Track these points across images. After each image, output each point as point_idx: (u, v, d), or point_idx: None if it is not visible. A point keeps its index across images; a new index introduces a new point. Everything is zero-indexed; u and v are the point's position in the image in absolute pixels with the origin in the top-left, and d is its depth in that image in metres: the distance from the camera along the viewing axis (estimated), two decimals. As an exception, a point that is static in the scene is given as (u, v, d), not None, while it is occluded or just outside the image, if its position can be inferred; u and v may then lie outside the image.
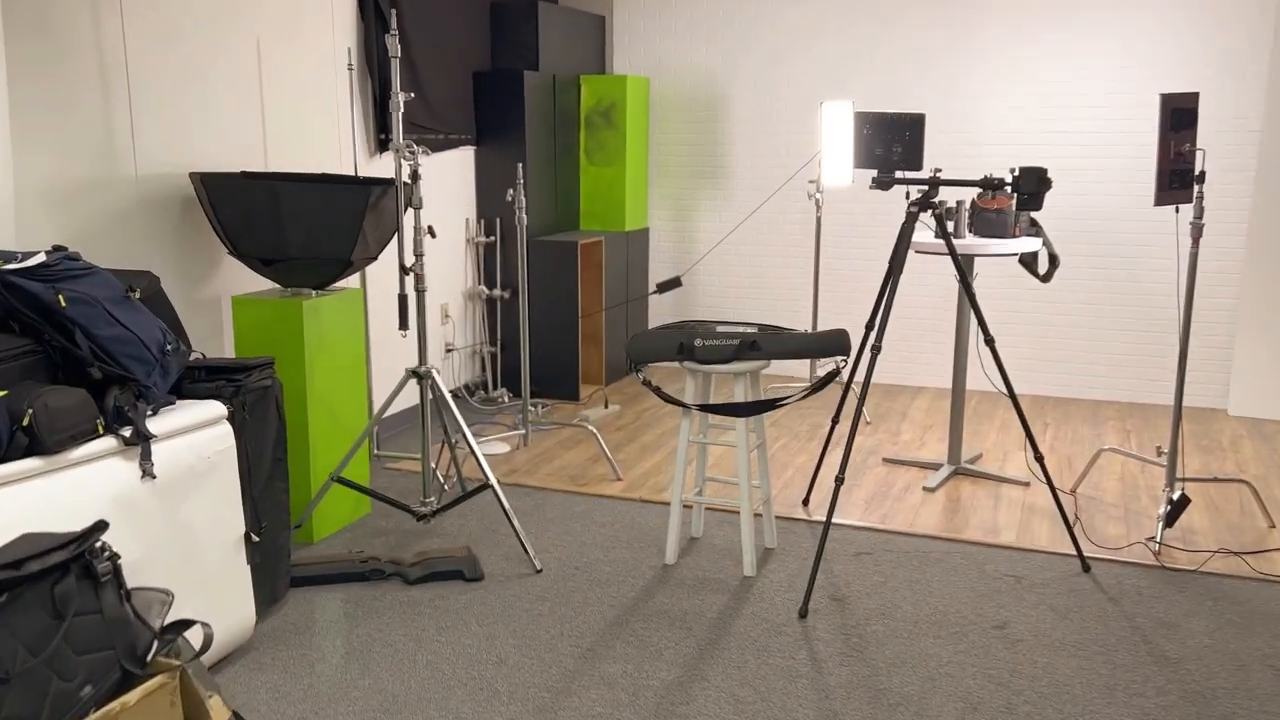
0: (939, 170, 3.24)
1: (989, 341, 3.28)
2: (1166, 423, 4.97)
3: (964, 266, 3.31)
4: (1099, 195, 5.26)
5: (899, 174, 3.26)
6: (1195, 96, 3.54)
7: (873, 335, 4.69)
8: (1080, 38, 5.18)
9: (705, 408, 3.27)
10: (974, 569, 3.36)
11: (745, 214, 5.94)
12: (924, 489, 4.08)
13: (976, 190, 4.11)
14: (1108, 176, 5.23)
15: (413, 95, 3.71)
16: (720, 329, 3.44)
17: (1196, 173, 3.50)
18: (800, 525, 3.73)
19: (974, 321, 4.86)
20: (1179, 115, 3.52)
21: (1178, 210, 3.44)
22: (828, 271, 5.81)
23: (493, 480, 3.41)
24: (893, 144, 3.21)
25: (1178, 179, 3.56)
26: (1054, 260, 4.08)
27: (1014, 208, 3.08)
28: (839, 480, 3.15)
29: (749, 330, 3.37)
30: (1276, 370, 4.98)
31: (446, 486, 4.03)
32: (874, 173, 3.83)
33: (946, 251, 3.85)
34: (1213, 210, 5.07)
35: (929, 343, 5.68)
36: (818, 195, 5.05)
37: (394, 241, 4.64)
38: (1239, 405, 5.06)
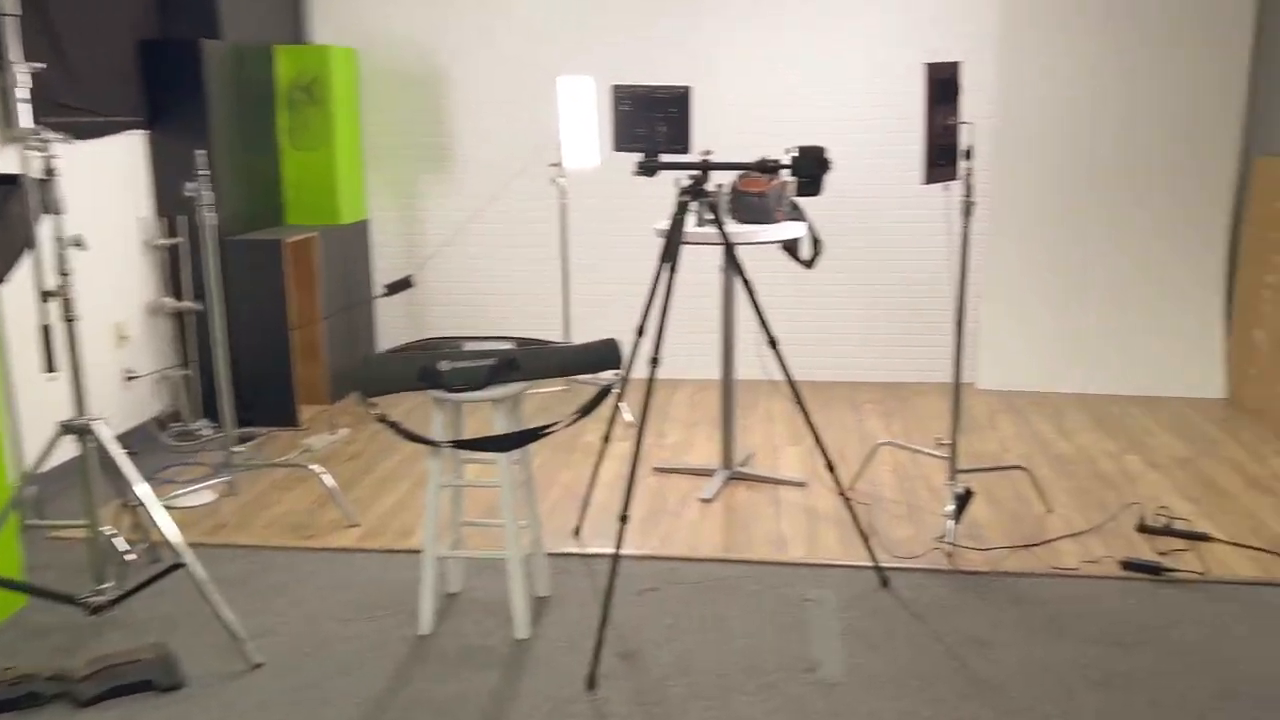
0: (708, 153, 2.84)
1: (772, 343, 2.93)
2: (923, 402, 4.90)
3: (738, 260, 2.93)
4: (861, 174, 5.12)
5: (666, 157, 2.83)
6: (957, 66, 3.34)
7: (644, 341, 4.29)
8: (843, 5, 4.98)
9: (460, 444, 2.71)
10: (770, 595, 3.01)
11: (481, 202, 5.36)
12: (701, 500, 3.71)
13: (737, 173, 3.76)
14: (871, 153, 5.08)
15: (44, 66, 2.86)
16: (470, 347, 2.88)
17: (963, 148, 3.31)
18: (574, 563, 3.25)
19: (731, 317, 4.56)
20: (943, 87, 3.31)
21: (947, 188, 3.21)
22: (581, 269, 5.35)
23: (185, 558, 2.68)
24: (656, 123, 2.77)
25: (945, 155, 3.35)
26: (817, 245, 3.81)
27: (794, 193, 2.74)
28: (623, 519, 2.69)
29: (505, 347, 2.84)
30: (1019, 342, 5.04)
31: (132, 557, 3.22)
32: (637, 156, 3.39)
33: (713, 242, 3.48)
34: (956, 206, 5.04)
35: (685, 331, 5.36)
36: (560, 180, 4.57)
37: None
38: (988, 379, 5.09)
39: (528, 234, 5.36)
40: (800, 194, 2.77)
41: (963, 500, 3.39)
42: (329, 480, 3.63)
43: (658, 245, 5.26)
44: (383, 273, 5.49)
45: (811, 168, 2.74)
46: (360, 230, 5.31)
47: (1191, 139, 4.83)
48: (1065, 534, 3.38)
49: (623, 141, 2.83)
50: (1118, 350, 4.96)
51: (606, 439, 3.33)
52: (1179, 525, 3.39)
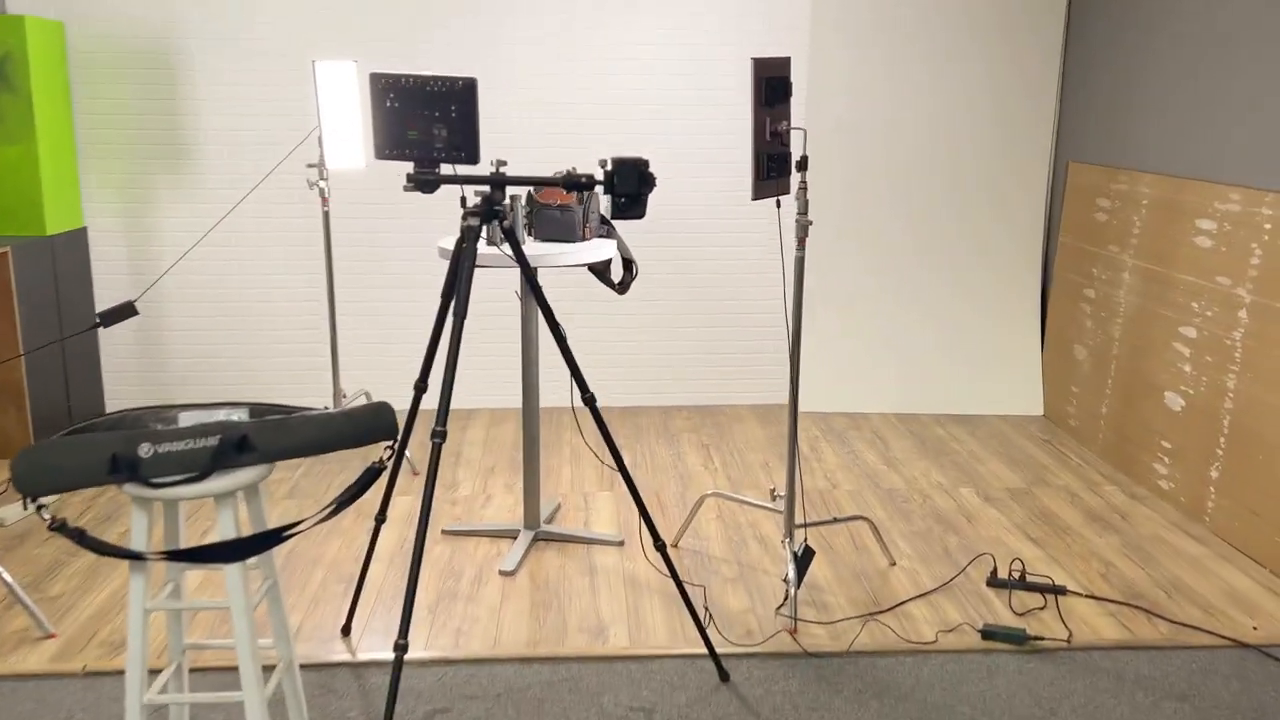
0: (502, 164, 2.24)
1: (588, 401, 2.37)
2: (742, 430, 4.49)
3: (542, 296, 2.35)
4: (678, 181, 4.62)
5: (446, 168, 2.21)
6: (788, 63, 2.89)
7: (420, 407, 3.62)
8: (618, -7, 4.46)
9: (174, 555, 2.00)
10: (591, 707, 2.46)
11: (227, 209, 4.52)
12: (501, 573, 3.12)
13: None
14: (690, 159, 4.60)
15: None
16: (187, 417, 2.17)
17: (797, 158, 2.85)
18: (342, 675, 2.59)
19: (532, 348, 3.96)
20: (772, 87, 2.84)
21: (779, 204, 2.75)
22: (351, 295, 4.61)
23: None
24: (432, 124, 2.14)
25: (776, 165, 2.89)
26: (630, 267, 3.29)
27: (608, 215, 2.20)
28: (400, 648, 2.06)
29: (235, 418, 2.15)
30: (832, 364, 4.72)
31: None
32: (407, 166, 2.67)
33: (508, 265, 2.89)
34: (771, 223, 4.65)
35: (475, 355, 4.72)
36: (321, 184, 3.84)
37: None
38: (804, 401, 4.74)
39: (287, 252, 4.57)
40: (616, 216, 2.22)
41: (803, 562, 2.95)
42: (6, 576, 2.79)
43: (444, 268, 4.62)
44: (105, 296, 4.56)
45: (630, 184, 2.19)
46: (75, 242, 4.37)
47: (1005, 146, 4.63)
48: (915, 594, 3.00)
49: (388, 147, 2.19)
50: (934, 368, 4.72)
51: (381, 519, 2.67)
52: (1032, 579, 3.08)
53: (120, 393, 4.65)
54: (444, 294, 2.31)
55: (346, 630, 2.76)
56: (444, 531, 3.40)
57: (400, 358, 4.70)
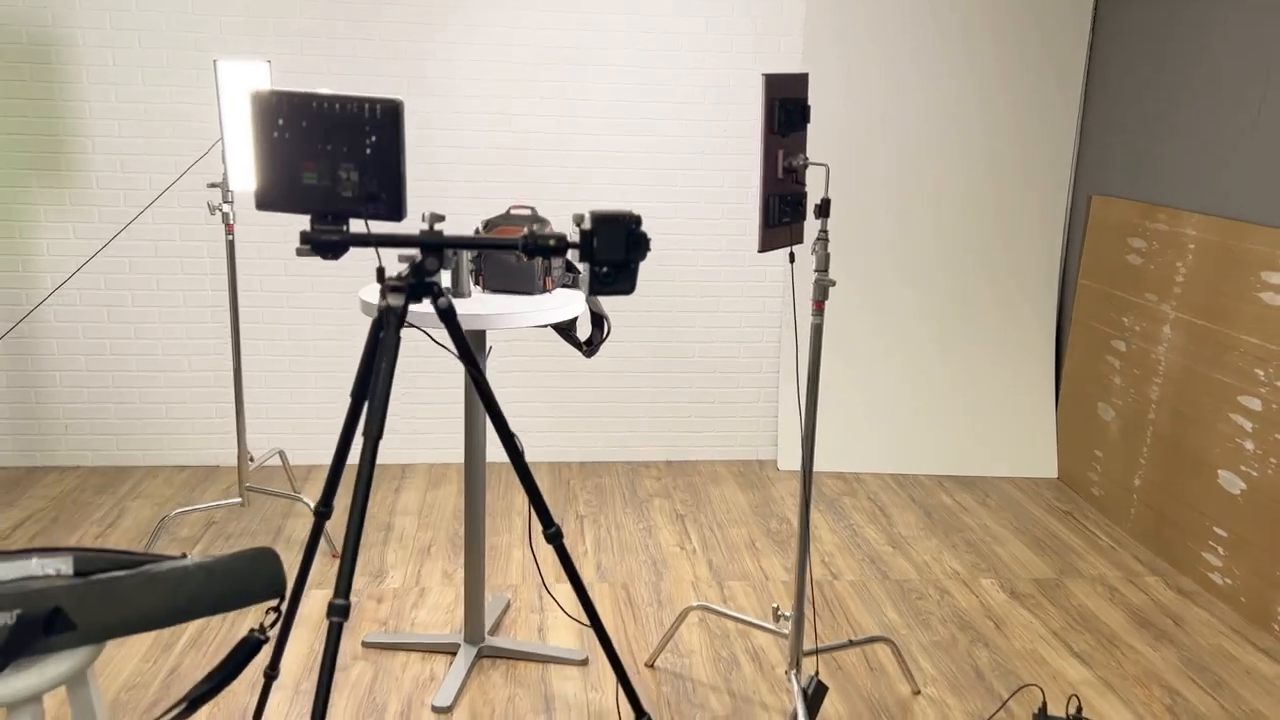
0: (438, 220, 1.62)
1: (551, 538, 1.76)
2: (719, 493, 3.89)
3: (493, 401, 1.73)
4: (656, 213, 4.02)
5: (355, 225, 1.59)
6: (805, 81, 2.30)
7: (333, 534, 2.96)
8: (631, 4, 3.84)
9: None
10: None
11: (114, 233, 3.83)
12: (435, 710, 2.49)
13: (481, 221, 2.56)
14: (669, 188, 3.99)
15: None
16: (-21, 571, 1.53)
17: (817, 202, 2.26)
18: None
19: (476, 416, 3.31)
20: (787, 110, 2.25)
21: (793, 258, 2.16)
22: (261, 335, 3.93)
23: None
24: (339, 163, 1.52)
25: (789, 209, 2.30)
26: (602, 324, 2.67)
27: (587, 290, 1.60)
28: None
29: (48, 573, 1.51)
30: (822, 417, 4.15)
31: None
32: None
33: (442, 340, 2.27)
34: (757, 264, 4.06)
35: (409, 401, 4.08)
36: (225, 208, 3.18)
37: None
38: (789, 458, 4.16)
39: (189, 283, 3.89)
40: (599, 291, 1.61)
41: (814, 702, 2.36)
42: None
43: (365, 325, 3.96)
44: (-28, 326, 3.85)
45: (616, 250, 1.59)
46: (-70, 268, 3.65)
47: (1017, 173, 4.09)
48: (950, 741, 2.43)
49: (274, 193, 1.55)
50: (933, 423, 4.17)
51: (265, 693, 2.02)
52: (1088, 717, 2.53)
53: (-12, 444, 3.93)
54: (355, 390, 1.68)
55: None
56: (365, 644, 2.77)
57: (321, 406, 4.03)
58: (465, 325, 2.33)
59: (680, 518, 3.66)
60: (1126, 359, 3.70)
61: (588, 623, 2.30)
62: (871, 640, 2.59)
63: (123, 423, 3.96)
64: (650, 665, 2.71)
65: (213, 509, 3.60)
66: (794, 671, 2.43)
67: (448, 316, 1.60)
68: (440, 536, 3.45)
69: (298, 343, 3.96)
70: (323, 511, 1.81)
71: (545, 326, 2.58)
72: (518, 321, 2.39)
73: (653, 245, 4.03)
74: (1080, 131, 4.08)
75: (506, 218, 2.55)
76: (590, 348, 2.66)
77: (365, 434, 1.51)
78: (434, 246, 1.55)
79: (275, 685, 2.56)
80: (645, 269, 4.05)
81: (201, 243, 3.86)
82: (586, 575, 3.20)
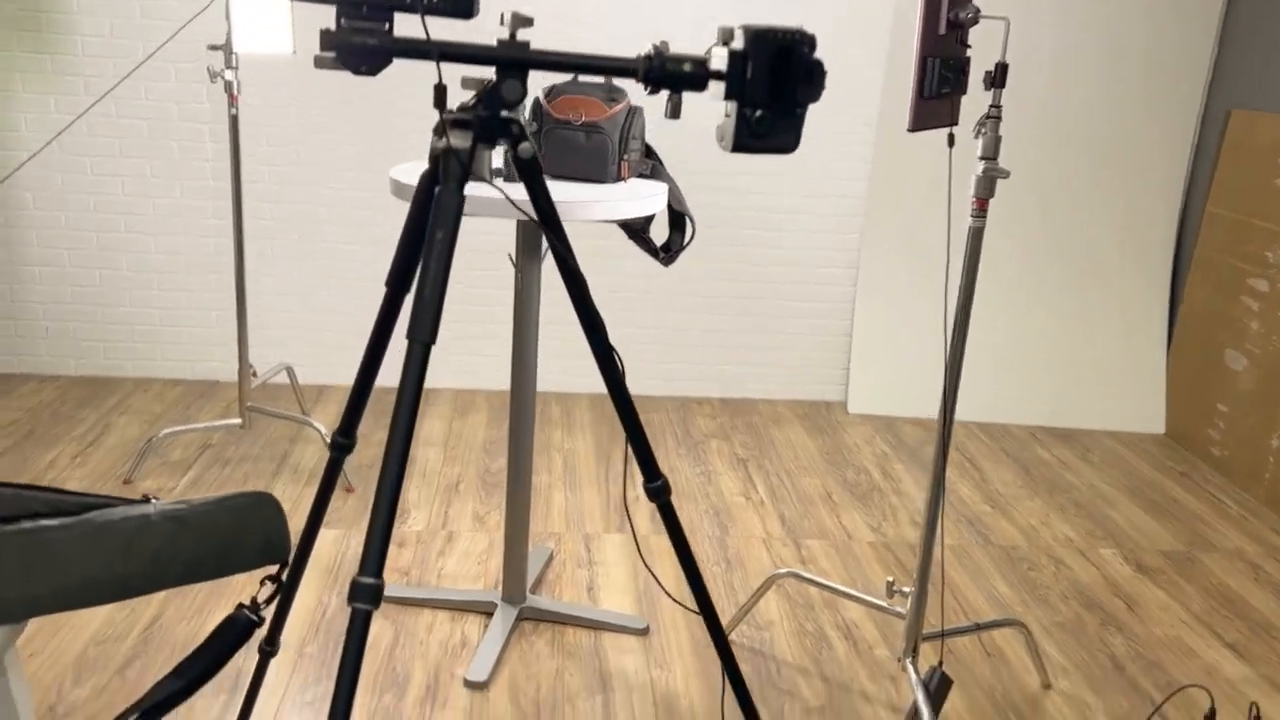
0: (521, 23, 1.12)
1: (655, 493, 1.29)
2: (782, 435, 3.42)
3: (577, 269, 1.23)
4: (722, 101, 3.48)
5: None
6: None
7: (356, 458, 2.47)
8: None
9: None
10: None
11: (97, 102, 3.32)
12: (467, 684, 2.05)
13: (549, 87, 2.06)
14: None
15: None
16: None
17: (996, 64, 1.75)
18: None
19: (528, 330, 2.80)
20: (953, -52, 1.73)
21: (951, 140, 1.64)
22: (268, 232, 3.44)
23: None
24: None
25: (950, 77, 1.79)
26: (684, 226, 2.18)
27: (730, 142, 1.13)
28: None
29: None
30: (896, 355, 3.65)
31: None
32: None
33: (506, 216, 1.79)
34: (833, 178, 3.53)
35: (451, 320, 3.59)
36: (227, 74, 2.67)
37: None
38: (861, 401, 3.68)
39: (187, 169, 3.39)
40: (746, 145, 1.12)
41: (937, 697, 1.91)
42: None
43: (398, 212, 3.43)
44: (-60, 210, 3.36)
45: (777, 83, 1.09)
46: (-112, 139, 3.16)
47: (1139, 83, 3.54)
48: (1099, 751, 1.99)
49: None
50: (1025, 367, 3.68)
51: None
52: (1265, 726, 2.08)
53: (-42, 346, 3.47)
54: (393, 276, 1.20)
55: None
56: (385, 598, 2.32)
57: (336, 316, 3.56)
58: (506, 213, 1.84)
59: (742, 462, 3.20)
60: (1268, 300, 3.19)
61: (696, 609, 1.84)
62: (1001, 624, 2.14)
63: (110, 328, 3.50)
64: (728, 634, 2.26)
65: (209, 430, 3.14)
66: (910, 659, 1.98)
67: (530, 170, 1.11)
68: (469, 473, 2.99)
69: (311, 242, 3.47)
70: (342, 443, 1.34)
71: (616, 223, 2.09)
72: (586, 213, 1.89)
73: (714, 149, 3.51)
74: (1220, 37, 3.52)
75: (574, 85, 2.04)
76: (668, 254, 2.17)
77: (411, 337, 1.03)
78: (518, 65, 1.06)
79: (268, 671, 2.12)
80: (701, 176, 3.53)
81: (203, 125, 3.35)
82: (641, 523, 2.74)
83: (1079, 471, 3.29)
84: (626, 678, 2.10)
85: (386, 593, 2.32)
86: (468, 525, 2.69)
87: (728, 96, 1.10)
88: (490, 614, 2.28)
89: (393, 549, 2.54)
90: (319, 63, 1.02)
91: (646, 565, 2.48)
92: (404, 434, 1.00)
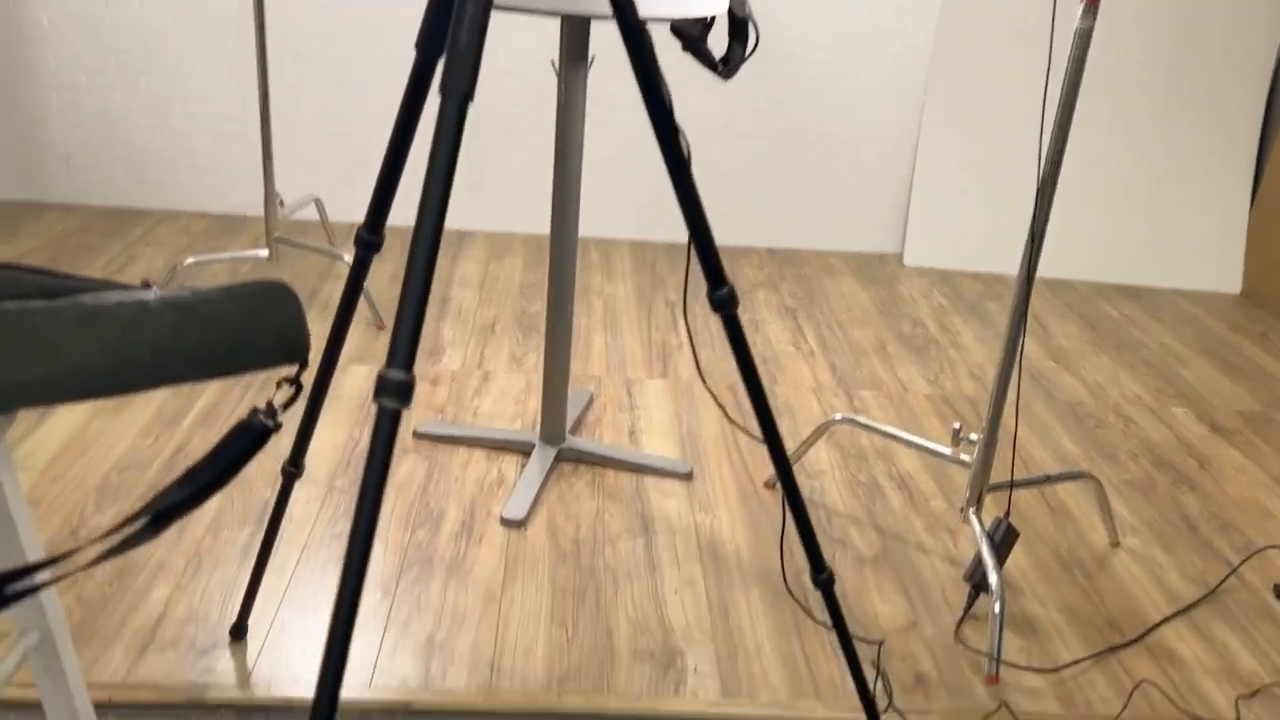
0: None
1: (720, 302, 1.13)
2: (835, 286, 3.25)
3: (658, 81, 1.06)
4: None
5: None
6: None
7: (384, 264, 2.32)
8: None
9: None
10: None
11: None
12: (504, 524, 1.96)
13: None
14: (752, -120, 3.14)
15: None
16: None
17: None
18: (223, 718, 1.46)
19: (571, 149, 2.58)
20: None
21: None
22: (300, 52, 3.22)
23: None
24: None
25: None
26: (745, 33, 1.96)
27: None
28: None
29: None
30: (956, 205, 3.43)
31: None
32: None
33: (534, 9, 1.60)
34: (898, 23, 3.23)
35: (467, 153, 3.41)
36: None
37: None
38: (918, 252, 3.48)
39: (211, -24, 3.17)
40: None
41: (1002, 548, 1.80)
42: None
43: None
44: (-50, 26, 3.18)
45: None
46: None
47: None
48: (1171, 611, 1.87)
49: None
50: (1092, 222, 3.45)
51: (297, 465, 1.46)
52: (1351, 591, 1.95)
53: (-22, 173, 3.34)
54: (422, 38, 1.03)
55: (238, 631, 1.61)
56: (417, 434, 2.22)
57: (367, 151, 3.38)
58: (549, 5, 1.64)
59: (791, 312, 3.04)
60: (1373, 149, 2.93)
61: (753, 436, 1.70)
62: (1073, 477, 2.00)
63: (133, 156, 3.35)
64: (771, 486, 2.15)
65: (235, 261, 3.02)
66: (974, 509, 1.86)
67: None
68: (505, 314, 2.86)
69: (342, 71, 3.27)
70: (369, 240, 1.20)
71: (671, 30, 1.88)
72: (642, 9, 1.69)
73: (778, -27, 3.23)
74: None
75: None
76: (728, 66, 1.96)
77: (444, 91, 0.86)
78: None
79: (301, 481, 2.04)
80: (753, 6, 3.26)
81: (222, -64, 3.12)
82: (685, 370, 2.61)
83: (1148, 329, 3.11)
84: (669, 521, 2.00)
85: (420, 429, 2.22)
86: (504, 366, 2.57)
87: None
88: (528, 454, 2.17)
89: (427, 386, 2.43)
90: None
91: (706, 385, 2.36)
92: (438, 202, 0.85)
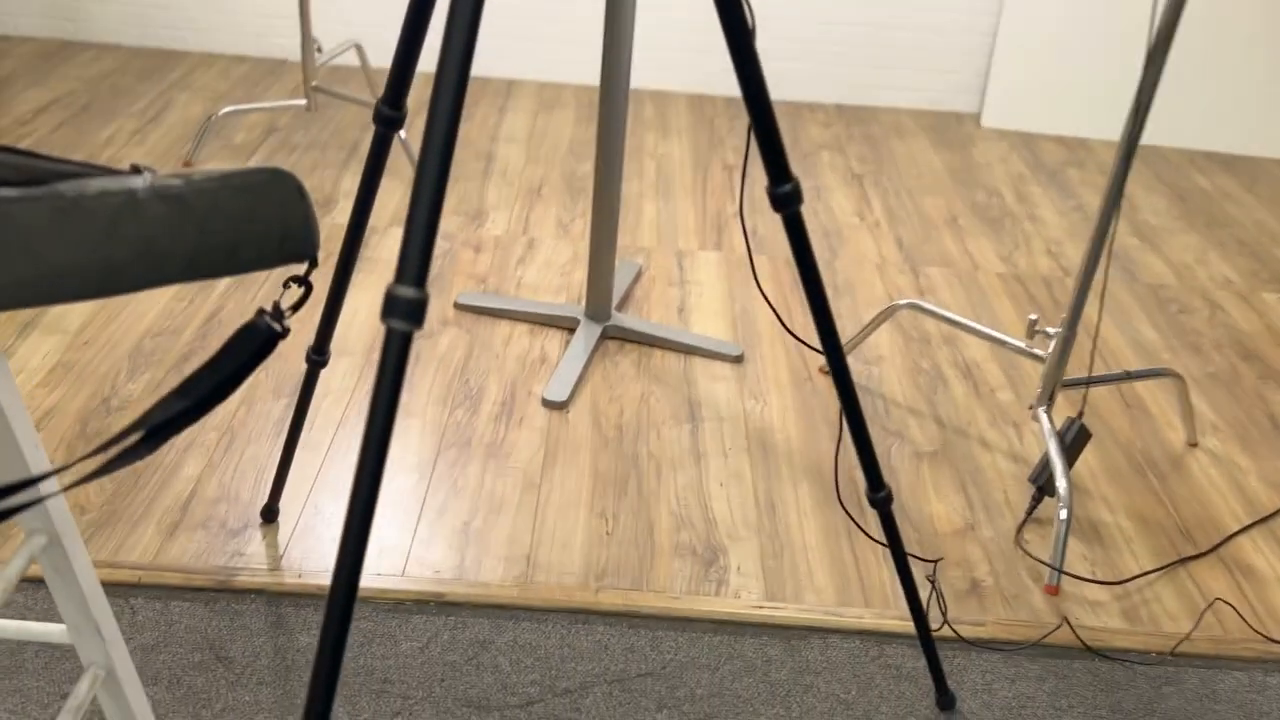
0: None
1: (785, 199, 1.00)
2: (904, 147, 3.04)
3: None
4: None
5: None
6: None
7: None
8: None
9: None
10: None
11: None
12: (545, 405, 1.88)
13: None
14: None
15: None
16: None
17: None
18: (256, 611, 1.42)
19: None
20: None
21: None
22: None
23: None
24: None
25: None
26: None
27: None
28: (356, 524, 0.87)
29: None
30: (1040, 63, 3.15)
31: None
32: None
33: None
34: None
35: (514, 3, 3.19)
36: None
37: None
38: (998, 113, 3.23)
39: None
40: None
41: (1073, 448, 1.69)
42: None
43: None
44: None
45: None
46: None
47: None
48: (1250, 520, 1.76)
49: None
50: (1185, 82, 3.16)
51: (322, 352, 1.37)
52: None
53: (11, 7, 3.21)
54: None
55: (269, 514, 1.57)
56: (458, 305, 2.13)
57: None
58: None
59: (857, 179, 2.86)
60: None
61: (805, 342, 1.60)
62: (1155, 374, 1.86)
63: (166, -5, 3.18)
64: (825, 372, 2.04)
65: (273, 111, 2.89)
66: (1045, 408, 1.73)
67: None
68: (553, 175, 2.72)
69: (380, -97, 3.04)
70: (390, 117, 1.07)
71: None
72: None
73: None
74: None
75: None
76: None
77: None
78: None
79: (336, 355, 1.97)
80: None
81: None
82: (739, 243, 2.47)
83: (1243, 203, 2.88)
84: (717, 407, 1.90)
85: (460, 299, 2.13)
86: (550, 232, 2.44)
87: None
88: (572, 330, 2.08)
89: (469, 253, 2.32)
90: None
91: (759, 285, 2.24)
92: (461, 50, 0.71)
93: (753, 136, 1.00)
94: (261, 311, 0.93)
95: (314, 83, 2.63)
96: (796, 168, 2.87)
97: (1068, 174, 2.97)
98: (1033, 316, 1.72)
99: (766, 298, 2.04)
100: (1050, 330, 1.70)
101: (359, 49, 2.87)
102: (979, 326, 1.86)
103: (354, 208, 1.14)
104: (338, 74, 3.19)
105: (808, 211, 2.64)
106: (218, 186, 0.85)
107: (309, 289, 0.93)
